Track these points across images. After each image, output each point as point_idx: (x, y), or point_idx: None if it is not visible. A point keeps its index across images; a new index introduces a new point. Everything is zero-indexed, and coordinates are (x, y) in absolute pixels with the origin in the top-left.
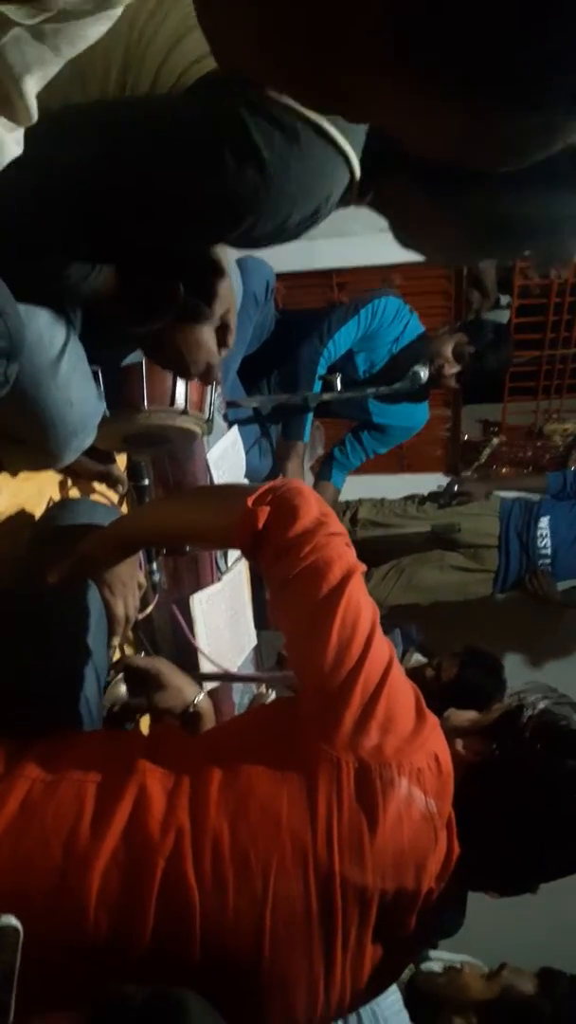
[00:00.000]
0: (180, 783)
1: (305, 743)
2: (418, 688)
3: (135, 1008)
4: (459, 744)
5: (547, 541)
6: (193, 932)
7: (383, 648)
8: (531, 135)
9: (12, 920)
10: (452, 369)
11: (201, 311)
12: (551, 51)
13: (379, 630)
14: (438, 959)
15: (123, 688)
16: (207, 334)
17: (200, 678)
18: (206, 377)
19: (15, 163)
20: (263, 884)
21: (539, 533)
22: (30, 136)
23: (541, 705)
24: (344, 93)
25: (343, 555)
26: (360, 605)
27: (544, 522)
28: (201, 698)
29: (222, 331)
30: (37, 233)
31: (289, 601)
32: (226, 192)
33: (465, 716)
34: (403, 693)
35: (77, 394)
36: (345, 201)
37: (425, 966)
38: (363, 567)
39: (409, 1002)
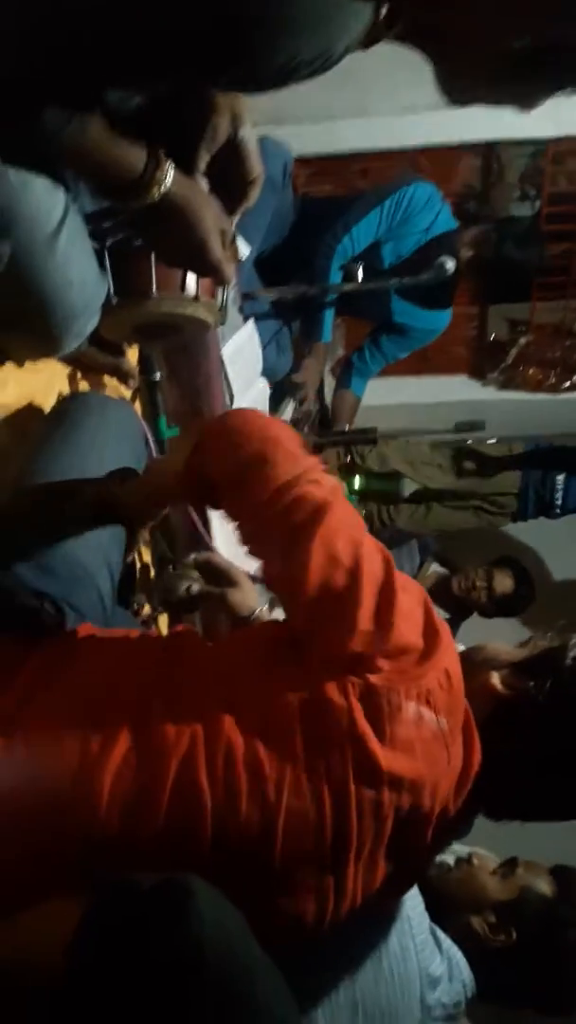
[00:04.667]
0: (195, 696)
1: (310, 667)
2: (459, 600)
3: (142, 891)
4: (494, 677)
5: (559, 494)
6: (204, 834)
7: (376, 562)
8: None
9: None
10: (466, 253)
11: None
12: None
13: (368, 544)
14: (449, 851)
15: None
16: (205, 201)
17: None
18: (218, 270)
19: None
20: (276, 794)
21: (556, 487)
22: None
23: None
24: None
25: (311, 495)
26: (338, 530)
27: (560, 478)
28: (265, 609)
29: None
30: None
31: (265, 542)
32: (224, 12)
33: (504, 649)
34: (410, 608)
35: (77, 273)
36: (369, 37)
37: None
38: (337, 492)
39: (426, 902)
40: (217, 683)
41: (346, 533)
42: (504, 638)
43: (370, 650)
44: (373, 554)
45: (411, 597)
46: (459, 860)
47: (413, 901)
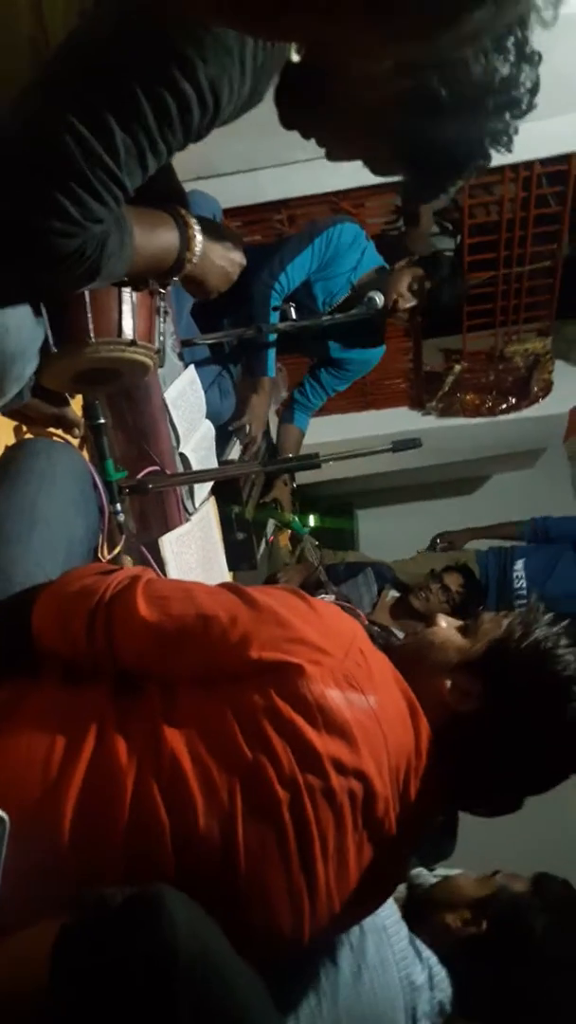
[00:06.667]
0: (142, 718)
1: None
2: (424, 616)
3: (114, 908)
4: (446, 686)
5: (522, 582)
6: (166, 849)
7: (217, 594)
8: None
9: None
10: (408, 303)
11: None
12: None
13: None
14: (432, 876)
15: None
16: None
17: None
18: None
19: None
20: (230, 799)
21: (515, 575)
22: None
23: (534, 636)
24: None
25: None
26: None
27: (519, 564)
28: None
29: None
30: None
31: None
32: (200, 81)
33: (453, 642)
34: (282, 602)
35: (13, 320)
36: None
37: (421, 880)
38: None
39: (405, 910)
40: (162, 705)
41: (162, 581)
42: None
43: (269, 651)
44: (206, 585)
45: (276, 596)
46: (444, 878)
47: (388, 911)
